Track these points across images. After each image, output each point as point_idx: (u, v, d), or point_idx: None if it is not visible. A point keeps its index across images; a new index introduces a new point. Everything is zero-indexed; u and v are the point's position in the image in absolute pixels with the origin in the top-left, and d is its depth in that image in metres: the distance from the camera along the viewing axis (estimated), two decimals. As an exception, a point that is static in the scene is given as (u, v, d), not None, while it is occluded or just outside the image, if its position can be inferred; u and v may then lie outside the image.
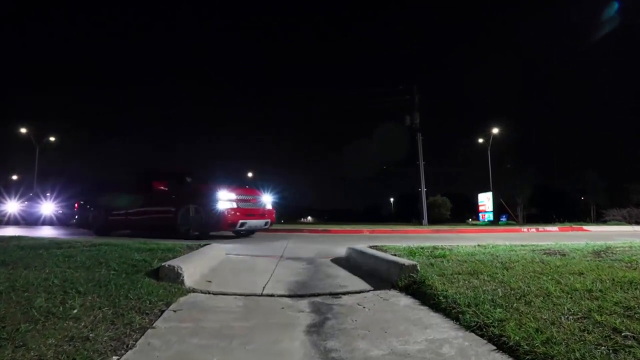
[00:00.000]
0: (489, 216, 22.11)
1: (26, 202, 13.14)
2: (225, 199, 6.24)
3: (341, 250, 4.66)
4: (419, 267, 2.44)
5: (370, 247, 3.87)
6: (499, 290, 2.01)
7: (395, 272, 2.45)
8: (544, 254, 3.15)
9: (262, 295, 2.28)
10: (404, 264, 2.43)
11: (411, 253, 3.22)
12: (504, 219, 28.42)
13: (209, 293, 2.25)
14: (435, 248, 3.67)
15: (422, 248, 3.64)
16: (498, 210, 23.96)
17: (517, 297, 1.86)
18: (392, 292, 2.30)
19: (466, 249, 3.67)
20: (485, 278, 2.29)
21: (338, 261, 3.72)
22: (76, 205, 8.37)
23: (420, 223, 21.31)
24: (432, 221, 23.44)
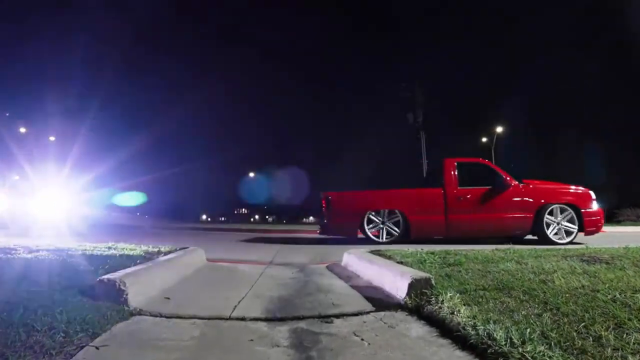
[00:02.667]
0: (494, 216, 21.49)
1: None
2: (595, 199, 5.55)
3: (338, 255, 4.14)
4: (433, 281, 1.91)
5: (372, 251, 3.35)
6: (546, 316, 1.47)
7: (403, 286, 1.92)
8: (582, 261, 2.61)
9: (229, 318, 1.76)
10: (414, 277, 1.90)
11: (420, 260, 2.69)
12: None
13: (161, 316, 1.73)
14: (447, 253, 3.13)
15: (432, 253, 3.10)
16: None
17: (577, 330, 1.33)
18: (400, 315, 1.77)
19: (483, 253, 3.14)
20: (521, 296, 1.76)
21: (334, 268, 3.19)
22: (325, 202, 5.90)
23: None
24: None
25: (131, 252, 2.79)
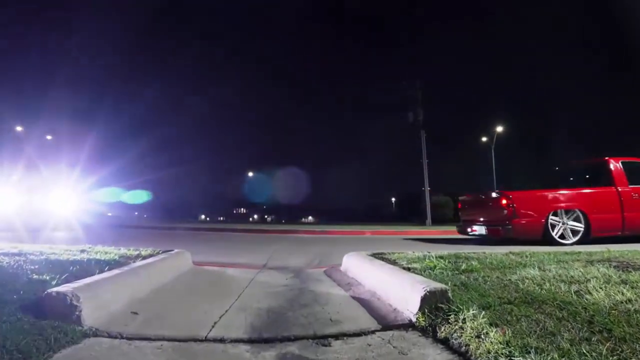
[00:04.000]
0: (496, 216, 21.14)
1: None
2: None
3: (338, 257, 3.84)
4: (450, 294, 1.61)
5: (375, 254, 3.05)
6: (598, 340, 1.17)
7: (414, 299, 1.62)
8: (612, 267, 2.31)
9: (205, 339, 1.45)
10: (427, 289, 1.59)
11: (429, 266, 2.39)
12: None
13: (121, 337, 1.42)
14: (457, 257, 2.84)
15: (440, 257, 2.80)
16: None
17: (647, 363, 1.02)
18: (412, 336, 1.46)
19: (497, 258, 2.84)
20: (557, 312, 1.46)
21: (332, 274, 2.89)
22: (505, 202, 5.52)
23: (423, 223, 20.46)
24: (435, 221, 22.56)
25: (104, 257, 2.48)
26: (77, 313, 1.43)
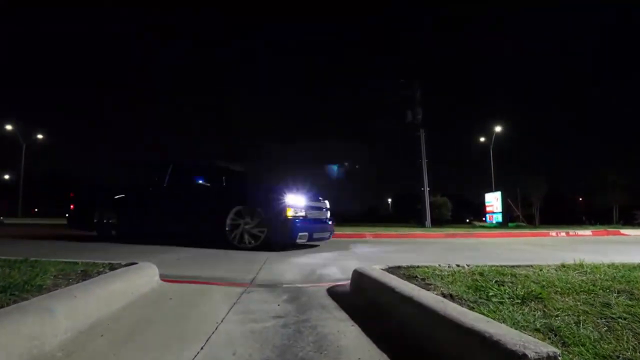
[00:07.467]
0: (497, 217, 20.62)
1: None
2: None
3: (341, 267, 3.19)
4: (561, 361, 0.93)
5: (391, 269, 2.39)
6: None
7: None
8: None
9: None
10: (524, 355, 0.91)
11: (482, 294, 1.71)
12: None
13: None
14: (502, 274, 2.16)
15: (481, 274, 2.14)
16: (507, 211, 22.49)
17: None
18: None
19: (554, 275, 2.18)
20: None
21: (339, 295, 2.21)
22: None
23: (422, 225, 19.85)
24: (433, 222, 21.96)
25: (23, 277, 1.77)
26: None
